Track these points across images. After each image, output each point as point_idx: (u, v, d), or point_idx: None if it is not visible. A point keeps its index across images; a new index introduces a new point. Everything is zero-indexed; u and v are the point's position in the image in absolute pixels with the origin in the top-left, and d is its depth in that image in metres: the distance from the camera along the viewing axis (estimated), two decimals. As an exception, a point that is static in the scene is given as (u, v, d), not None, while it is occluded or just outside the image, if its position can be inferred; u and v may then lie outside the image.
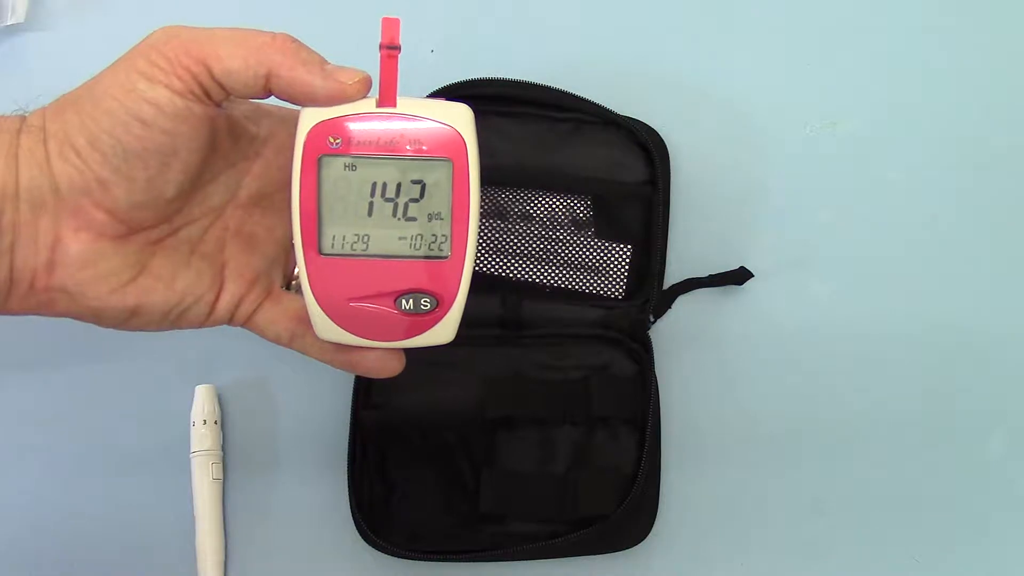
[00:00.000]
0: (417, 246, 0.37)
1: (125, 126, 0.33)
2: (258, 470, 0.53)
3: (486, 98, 0.53)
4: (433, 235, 0.36)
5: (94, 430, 0.53)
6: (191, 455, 0.52)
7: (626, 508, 0.50)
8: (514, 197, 0.54)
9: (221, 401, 0.53)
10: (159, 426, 0.53)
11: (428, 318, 0.37)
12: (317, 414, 0.53)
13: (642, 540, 0.51)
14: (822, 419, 0.54)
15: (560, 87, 0.53)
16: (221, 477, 0.52)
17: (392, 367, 0.39)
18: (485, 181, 0.53)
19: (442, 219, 0.36)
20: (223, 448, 0.53)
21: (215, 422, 0.52)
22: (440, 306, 0.37)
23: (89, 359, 0.53)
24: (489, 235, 0.53)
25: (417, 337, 0.38)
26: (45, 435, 0.53)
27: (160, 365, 0.54)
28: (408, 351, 0.39)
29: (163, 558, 0.52)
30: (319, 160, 0.35)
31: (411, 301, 0.37)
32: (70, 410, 0.53)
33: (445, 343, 0.38)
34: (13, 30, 0.56)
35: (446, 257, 0.37)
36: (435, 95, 0.52)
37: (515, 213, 0.54)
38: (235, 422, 0.54)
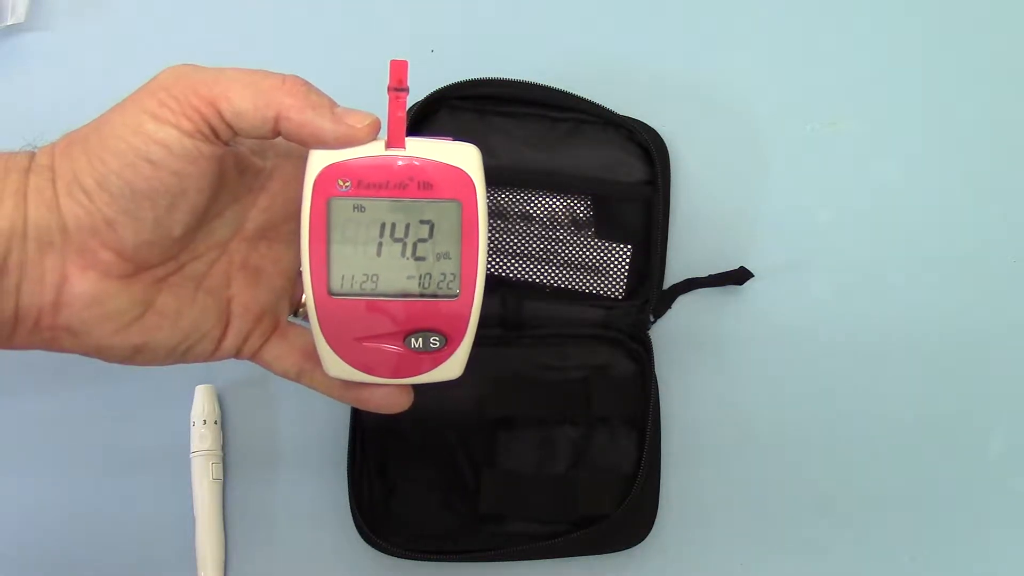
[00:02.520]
0: (426, 285, 0.37)
1: (133, 167, 0.33)
2: (258, 470, 0.53)
3: (486, 98, 0.53)
4: (442, 274, 0.37)
5: (94, 430, 0.53)
6: (191, 455, 0.52)
7: (626, 508, 0.50)
8: (514, 197, 0.53)
9: (221, 401, 0.53)
10: (159, 426, 0.53)
11: (437, 355, 0.38)
12: (317, 414, 0.53)
13: (642, 540, 0.51)
14: (822, 419, 0.54)
15: (560, 87, 0.53)
16: (221, 477, 0.52)
17: (401, 403, 0.40)
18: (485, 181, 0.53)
19: (450, 258, 0.37)
20: (223, 448, 0.53)
21: (215, 422, 0.52)
22: (449, 344, 0.38)
23: (89, 359, 0.53)
24: (489, 235, 0.53)
25: (425, 374, 0.38)
26: (45, 435, 0.53)
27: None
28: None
29: (163, 558, 0.52)
30: (328, 203, 0.35)
31: (420, 340, 0.37)
32: (70, 410, 0.53)
33: (453, 379, 0.38)
34: (13, 30, 0.56)
35: (455, 296, 0.37)
36: (436, 95, 0.52)
37: (515, 213, 0.54)
38: (235, 422, 0.53)
